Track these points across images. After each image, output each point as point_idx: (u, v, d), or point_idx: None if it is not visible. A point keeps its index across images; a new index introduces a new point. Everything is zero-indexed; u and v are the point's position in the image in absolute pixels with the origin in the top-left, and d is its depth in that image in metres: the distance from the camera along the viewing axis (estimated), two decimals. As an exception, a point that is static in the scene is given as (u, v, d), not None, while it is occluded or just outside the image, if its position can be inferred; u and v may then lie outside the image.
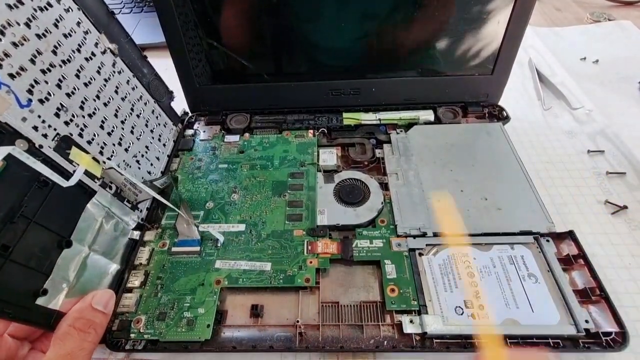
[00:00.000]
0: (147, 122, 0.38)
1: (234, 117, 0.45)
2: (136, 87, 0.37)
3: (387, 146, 0.41)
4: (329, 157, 0.40)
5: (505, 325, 0.27)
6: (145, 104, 0.38)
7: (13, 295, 0.22)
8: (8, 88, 0.23)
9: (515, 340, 0.27)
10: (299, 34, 0.40)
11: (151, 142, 0.38)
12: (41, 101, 0.25)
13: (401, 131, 0.42)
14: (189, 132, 0.44)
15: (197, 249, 0.33)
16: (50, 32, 0.27)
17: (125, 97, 0.35)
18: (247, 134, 0.44)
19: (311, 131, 0.43)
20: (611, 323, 0.27)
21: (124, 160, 0.33)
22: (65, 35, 0.28)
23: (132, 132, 0.35)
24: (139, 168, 0.35)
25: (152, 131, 0.38)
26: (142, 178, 0.35)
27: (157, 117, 0.40)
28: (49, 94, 0.26)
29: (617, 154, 0.41)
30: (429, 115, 0.43)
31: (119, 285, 0.31)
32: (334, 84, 0.43)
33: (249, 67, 0.42)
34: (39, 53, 0.25)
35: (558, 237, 0.32)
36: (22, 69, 0.24)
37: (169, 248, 0.33)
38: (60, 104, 0.27)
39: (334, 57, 0.41)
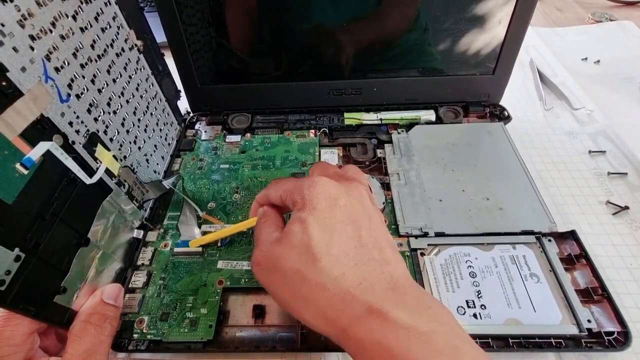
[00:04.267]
0: (158, 120, 0.38)
1: (236, 117, 0.45)
2: (153, 85, 0.37)
3: (389, 146, 0.41)
4: (331, 157, 0.40)
5: (507, 325, 0.27)
6: (159, 102, 0.38)
7: (36, 293, 0.22)
8: (53, 82, 0.23)
9: (518, 340, 0.27)
10: (299, 33, 0.40)
11: (159, 141, 0.38)
12: (77, 96, 0.25)
13: (402, 131, 0.42)
14: (191, 132, 0.44)
15: (199, 249, 0.33)
16: (91, 26, 0.27)
17: (143, 95, 0.35)
18: (248, 134, 0.44)
19: (313, 131, 0.43)
20: (613, 323, 0.27)
21: (136, 159, 0.33)
22: (102, 30, 0.28)
23: (145, 130, 0.35)
24: (148, 167, 0.36)
25: (160, 130, 0.39)
26: (149, 178, 0.35)
27: (166, 116, 0.40)
28: (85, 89, 0.26)
29: (618, 155, 0.41)
30: (430, 115, 0.44)
31: (122, 285, 0.31)
32: (336, 84, 0.43)
33: (251, 66, 0.42)
34: (81, 47, 0.25)
35: (560, 237, 0.32)
36: (66, 62, 0.24)
37: (171, 248, 0.33)
38: (93, 99, 0.27)
39: (334, 56, 0.41)
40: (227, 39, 0.40)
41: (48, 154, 0.22)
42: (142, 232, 0.33)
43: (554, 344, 0.26)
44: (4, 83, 0.20)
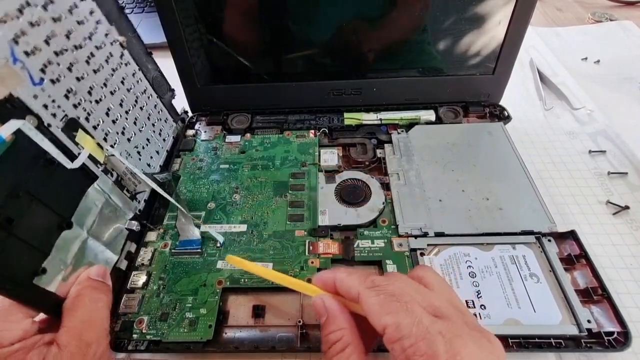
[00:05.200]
0: (150, 115, 0.39)
1: (235, 117, 0.45)
2: (141, 81, 0.37)
3: (388, 146, 0.41)
4: (330, 157, 0.40)
5: (507, 325, 0.27)
6: (149, 97, 0.39)
7: (13, 270, 0.22)
8: (22, 64, 0.24)
9: (518, 341, 0.27)
10: (299, 33, 0.40)
11: (152, 136, 0.39)
12: (52, 81, 0.26)
13: (402, 131, 0.42)
14: (190, 132, 0.44)
15: (199, 249, 0.33)
16: (65, 18, 0.28)
17: (131, 88, 0.35)
18: (248, 134, 0.44)
19: (312, 131, 0.43)
20: (613, 323, 0.27)
21: (125, 150, 0.34)
22: (78, 22, 0.29)
23: (135, 123, 0.36)
24: (140, 159, 0.36)
25: (153, 125, 0.39)
26: (142, 170, 0.35)
27: (159, 112, 0.41)
28: (60, 75, 0.27)
29: (618, 154, 0.41)
30: (430, 115, 0.43)
31: (121, 285, 0.31)
32: (335, 84, 0.43)
33: (250, 66, 0.42)
34: (54, 35, 0.26)
35: (560, 237, 0.32)
36: (36, 48, 0.25)
37: (171, 249, 0.33)
38: (70, 86, 0.28)
39: (335, 56, 0.41)
40: (227, 39, 0.40)
41: (20, 133, 0.23)
42: (136, 223, 0.33)
43: (553, 344, 0.26)
44: None
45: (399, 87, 0.43)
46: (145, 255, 0.33)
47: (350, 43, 0.40)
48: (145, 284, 0.31)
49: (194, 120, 0.46)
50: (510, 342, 0.27)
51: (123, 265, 0.32)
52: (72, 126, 0.28)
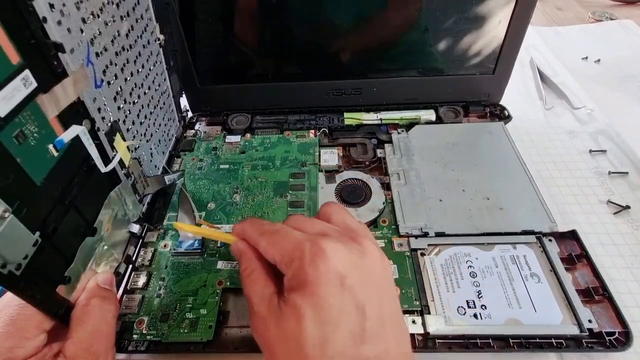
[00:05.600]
0: (164, 115, 0.38)
1: (235, 117, 0.45)
2: (165, 80, 0.37)
3: (389, 146, 0.41)
4: (330, 157, 0.40)
5: (507, 325, 0.27)
6: (167, 97, 0.38)
7: (44, 280, 0.21)
8: (92, 67, 0.23)
9: (518, 341, 0.27)
10: (299, 34, 0.40)
11: (162, 137, 0.38)
12: (108, 83, 0.26)
13: (402, 131, 0.42)
14: (190, 132, 0.44)
15: (199, 250, 0.33)
16: (129, 16, 0.27)
17: (157, 89, 0.35)
18: (248, 134, 0.44)
19: (312, 131, 0.43)
20: (614, 323, 0.27)
21: (144, 152, 0.33)
22: (136, 20, 0.28)
23: (154, 124, 0.35)
24: (151, 161, 0.36)
25: (165, 125, 0.39)
26: (150, 172, 0.35)
27: (171, 112, 0.40)
28: (115, 76, 0.26)
29: (619, 154, 0.41)
30: (430, 114, 0.43)
31: (120, 286, 0.31)
32: (335, 84, 0.43)
33: (250, 66, 0.42)
34: (118, 35, 0.26)
35: (560, 237, 0.32)
36: (105, 48, 0.24)
37: (171, 249, 0.33)
38: (120, 87, 0.27)
39: (334, 56, 0.41)
40: (227, 40, 0.40)
41: (76, 138, 0.22)
42: (138, 227, 0.33)
43: (554, 344, 0.26)
44: (55, 62, 0.20)
45: (399, 87, 0.43)
46: (145, 255, 0.32)
47: (350, 43, 0.40)
48: (146, 284, 0.31)
49: (194, 120, 0.46)
50: (511, 342, 0.27)
51: (122, 268, 0.31)
52: (114, 129, 0.27)
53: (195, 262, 0.32)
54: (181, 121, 0.45)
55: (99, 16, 0.23)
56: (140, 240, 0.33)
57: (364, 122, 0.44)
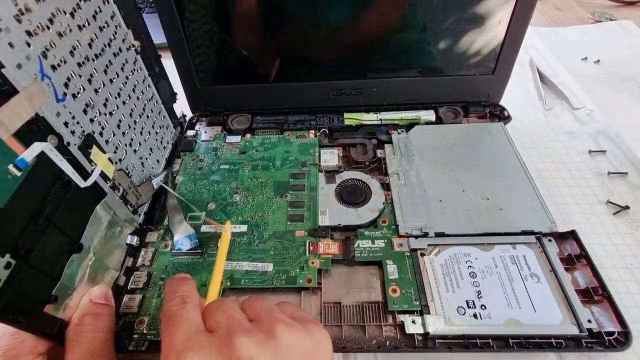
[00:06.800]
0: (154, 123, 0.37)
1: (236, 117, 0.45)
2: (149, 87, 0.36)
3: (389, 146, 0.41)
4: (331, 157, 0.40)
5: (507, 325, 0.27)
6: (155, 104, 0.37)
7: (26, 302, 0.21)
8: (49, 80, 0.22)
9: (518, 341, 0.27)
10: (299, 34, 0.40)
11: (154, 145, 0.37)
12: (74, 96, 0.25)
13: (402, 131, 0.42)
14: (190, 132, 0.44)
15: (199, 250, 0.33)
16: (89, 24, 0.26)
17: (140, 97, 0.34)
18: (248, 135, 0.44)
19: (312, 131, 0.43)
20: (614, 323, 0.27)
21: (132, 162, 0.33)
22: (100, 28, 0.27)
23: (141, 133, 0.34)
24: (143, 171, 0.35)
25: (156, 133, 0.38)
26: (142, 181, 0.35)
27: (162, 119, 0.39)
28: (81, 88, 0.25)
29: (618, 154, 0.41)
30: (430, 115, 0.43)
31: (120, 287, 0.31)
32: (335, 84, 0.43)
33: (250, 67, 0.42)
34: (79, 45, 0.25)
35: (560, 237, 0.32)
36: (62, 60, 0.23)
37: (171, 249, 0.33)
38: (89, 99, 0.26)
39: (334, 56, 0.41)
40: (227, 40, 0.40)
41: (42, 155, 0.21)
42: (136, 238, 0.32)
43: (554, 344, 0.26)
44: None
45: (399, 87, 0.43)
46: (146, 255, 0.33)
47: (349, 43, 0.40)
48: (146, 284, 0.31)
49: (194, 120, 0.46)
50: (511, 342, 0.27)
51: (121, 281, 0.30)
52: (88, 142, 0.26)
53: (196, 262, 0.32)
54: (177, 127, 0.44)
55: (48, 28, 0.22)
56: (135, 247, 0.33)
57: (364, 122, 0.44)
